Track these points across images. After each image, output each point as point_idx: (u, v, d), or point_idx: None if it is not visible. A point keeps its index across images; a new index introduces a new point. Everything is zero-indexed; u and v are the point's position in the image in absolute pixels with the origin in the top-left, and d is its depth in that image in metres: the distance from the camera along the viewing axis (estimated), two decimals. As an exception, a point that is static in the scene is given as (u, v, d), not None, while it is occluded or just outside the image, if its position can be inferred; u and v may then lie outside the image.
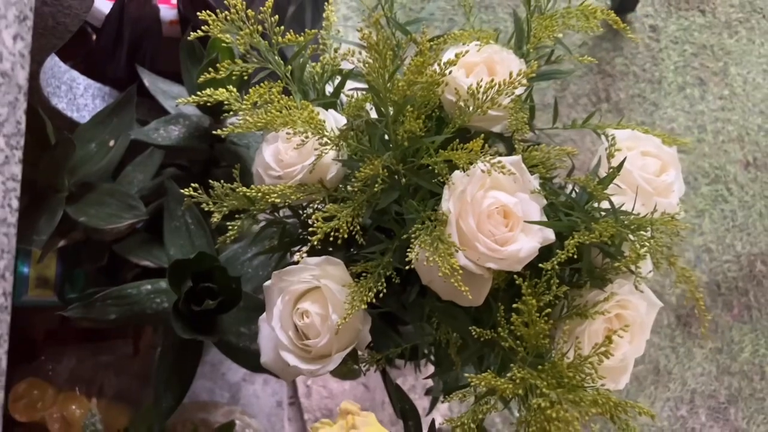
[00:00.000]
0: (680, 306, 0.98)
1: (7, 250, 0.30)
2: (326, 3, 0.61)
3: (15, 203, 0.31)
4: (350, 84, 0.57)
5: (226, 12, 0.50)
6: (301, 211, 0.56)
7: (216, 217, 0.52)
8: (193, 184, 0.52)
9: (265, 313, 0.49)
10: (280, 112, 0.47)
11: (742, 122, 1.08)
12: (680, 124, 1.08)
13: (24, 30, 0.33)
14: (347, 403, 0.35)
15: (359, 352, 0.53)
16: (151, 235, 0.76)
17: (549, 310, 0.41)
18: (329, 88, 0.58)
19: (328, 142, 0.47)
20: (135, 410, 0.87)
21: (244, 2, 0.51)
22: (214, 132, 0.51)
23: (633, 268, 0.47)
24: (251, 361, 0.71)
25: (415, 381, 0.96)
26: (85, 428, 0.64)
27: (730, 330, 0.97)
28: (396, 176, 0.48)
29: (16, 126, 0.32)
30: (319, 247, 0.51)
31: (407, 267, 0.44)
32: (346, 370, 0.84)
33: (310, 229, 0.44)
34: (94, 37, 0.86)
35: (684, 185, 0.55)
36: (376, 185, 0.45)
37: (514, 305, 0.41)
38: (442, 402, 0.59)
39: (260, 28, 0.51)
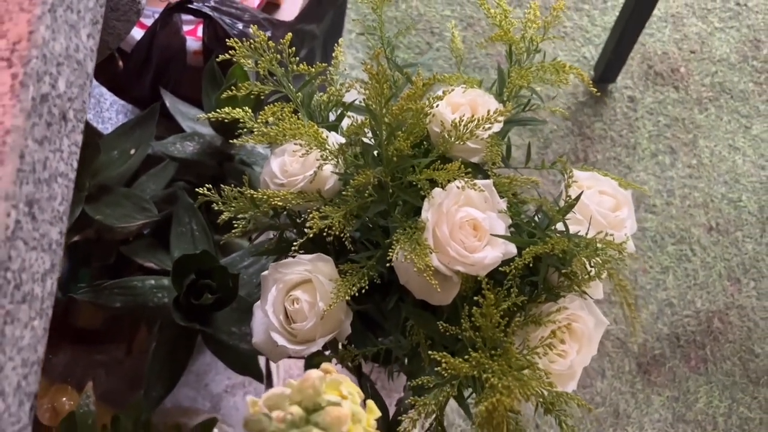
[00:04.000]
0: (641, 354, 1.04)
1: (66, 199, 0.37)
2: (336, 44, 0.70)
3: (75, 164, 0.39)
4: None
5: (251, 40, 0.59)
6: (297, 219, 0.63)
7: (224, 217, 0.60)
8: (207, 185, 0.59)
9: (259, 301, 0.56)
10: (290, 127, 0.55)
11: (708, 190, 1.17)
12: (651, 187, 1.17)
13: (95, 31, 0.41)
14: (326, 364, 0.41)
15: (339, 344, 0.59)
16: (156, 240, 0.82)
17: (505, 306, 0.48)
18: (332, 116, 0.67)
19: (329, 155, 0.54)
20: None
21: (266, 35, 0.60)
22: (230, 140, 0.59)
23: (581, 285, 0.55)
24: (238, 361, 0.77)
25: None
26: (80, 408, 0.69)
27: (687, 380, 1.04)
28: (384, 190, 0.55)
29: (82, 104, 0.39)
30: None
31: (388, 264, 0.51)
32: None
33: (307, 224, 0.51)
34: (120, 61, 0.95)
35: (636, 225, 0.63)
36: (366, 194, 0.52)
37: (475, 298, 0.48)
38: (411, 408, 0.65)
39: (279, 56, 0.59)
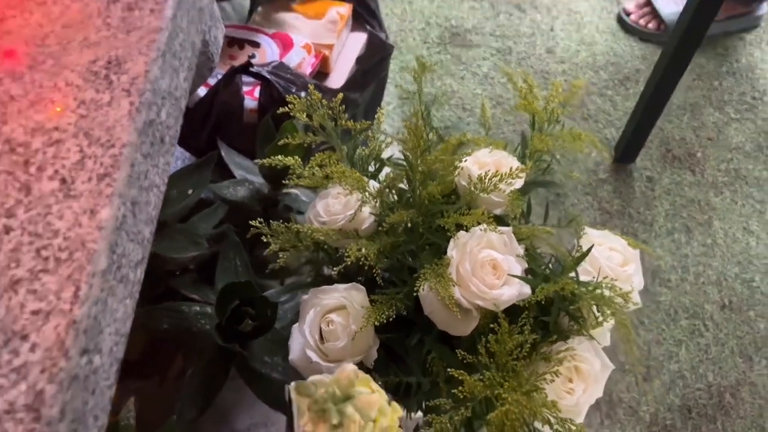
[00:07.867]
0: (653, 423, 1.07)
1: (157, 206, 0.45)
2: (378, 108, 0.78)
3: (166, 179, 0.47)
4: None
5: (306, 97, 0.68)
6: (335, 256, 0.70)
7: (272, 249, 0.67)
8: (258, 218, 0.67)
9: (297, 323, 0.62)
10: (337, 172, 0.63)
11: (721, 269, 1.21)
12: (666, 263, 1.22)
13: (190, 76, 0.50)
14: (348, 366, 0.47)
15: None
16: (201, 275, 0.90)
17: (519, 338, 0.54)
18: (371, 168, 0.75)
19: (368, 197, 0.62)
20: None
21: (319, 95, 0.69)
22: (277, 189, 0.67)
23: (588, 329, 0.60)
24: (267, 391, 0.82)
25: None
26: (121, 420, 0.74)
27: (698, 452, 1.05)
28: (414, 233, 0.62)
29: (175, 132, 0.48)
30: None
31: (415, 293, 0.58)
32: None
33: (345, 252, 0.58)
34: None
35: (643, 281, 0.69)
36: (400, 230, 0.59)
37: (491, 326, 0.54)
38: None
39: (329, 112, 0.68)
